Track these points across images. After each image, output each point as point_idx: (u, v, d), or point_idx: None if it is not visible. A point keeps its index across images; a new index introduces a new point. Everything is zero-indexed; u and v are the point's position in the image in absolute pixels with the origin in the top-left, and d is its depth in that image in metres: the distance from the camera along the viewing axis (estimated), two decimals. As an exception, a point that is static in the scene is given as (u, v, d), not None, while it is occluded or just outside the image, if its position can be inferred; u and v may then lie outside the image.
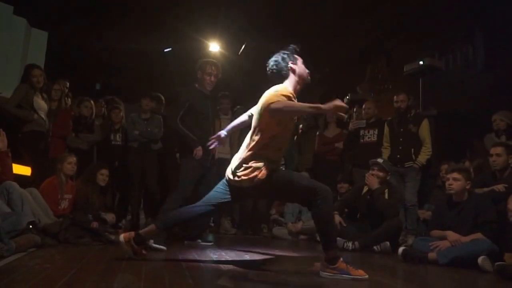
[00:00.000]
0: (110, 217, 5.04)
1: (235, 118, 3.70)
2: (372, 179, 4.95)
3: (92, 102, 6.06)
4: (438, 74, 6.88)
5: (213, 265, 3.24)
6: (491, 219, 3.86)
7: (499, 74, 6.32)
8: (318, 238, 5.63)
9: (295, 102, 2.97)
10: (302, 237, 5.96)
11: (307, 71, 3.18)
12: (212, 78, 4.53)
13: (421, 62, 6.41)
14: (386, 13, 7.11)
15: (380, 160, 5.03)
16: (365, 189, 5.07)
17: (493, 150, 4.53)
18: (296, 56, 3.18)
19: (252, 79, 8.72)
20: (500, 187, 4.28)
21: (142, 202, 6.21)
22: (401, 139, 5.64)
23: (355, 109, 6.99)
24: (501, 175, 4.48)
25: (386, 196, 4.90)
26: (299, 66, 3.16)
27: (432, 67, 6.51)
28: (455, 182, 4.04)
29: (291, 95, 2.96)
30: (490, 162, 4.57)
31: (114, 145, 6.06)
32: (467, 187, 4.05)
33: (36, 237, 3.63)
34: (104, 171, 5.09)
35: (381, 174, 4.96)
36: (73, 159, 4.88)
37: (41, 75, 5.26)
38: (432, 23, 7.27)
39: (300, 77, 3.14)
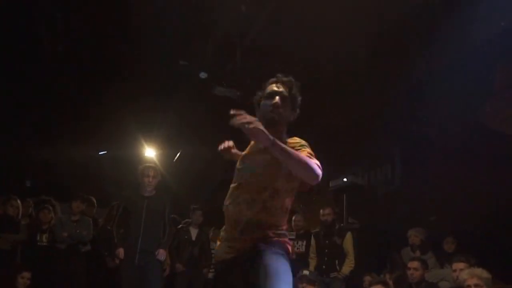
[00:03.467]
0: None
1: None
2: None
3: (19, 201, 5.87)
4: (361, 189, 7.36)
5: None
6: None
7: (414, 191, 6.86)
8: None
9: None
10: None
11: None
12: (150, 179, 4.96)
13: (344, 179, 6.87)
14: (313, 129, 7.61)
15: (306, 272, 5.13)
16: None
17: (410, 264, 4.84)
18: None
19: (185, 186, 8.87)
20: (417, 301, 4.55)
21: None
22: (326, 251, 5.87)
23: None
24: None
25: None
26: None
27: (355, 184, 6.98)
28: None
29: None
30: (408, 275, 4.85)
31: (39, 246, 5.79)
32: (388, 300, 4.28)
33: None
34: (26, 274, 4.83)
35: (309, 287, 5.01)
36: None
37: None
38: (355, 142, 7.85)
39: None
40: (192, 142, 8.27)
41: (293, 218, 6.51)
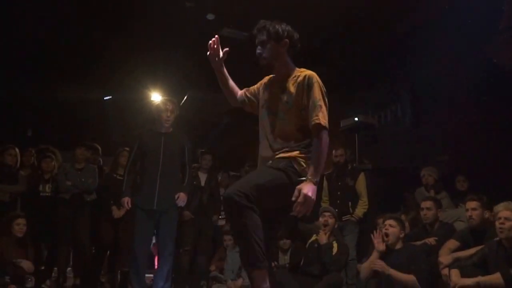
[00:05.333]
0: (26, 265, 4.57)
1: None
2: (321, 234, 4.92)
3: (17, 150, 5.70)
4: (372, 130, 7.25)
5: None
6: (422, 267, 3.99)
7: (425, 131, 6.78)
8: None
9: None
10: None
11: None
12: (169, 114, 4.49)
13: (356, 119, 6.71)
14: (323, 70, 7.46)
15: (325, 206, 5.09)
16: (313, 237, 5.05)
17: (423, 204, 4.76)
18: None
19: (194, 129, 8.77)
20: (431, 240, 4.47)
21: (71, 260, 5.79)
22: (338, 193, 5.75)
23: None
24: (431, 228, 4.70)
25: (336, 248, 4.86)
26: None
27: (366, 123, 6.83)
28: (391, 228, 4.21)
29: None
30: (421, 216, 4.79)
31: (42, 197, 5.62)
32: (401, 236, 4.23)
33: None
34: (20, 220, 4.74)
35: (331, 220, 4.96)
36: None
37: None
38: (364, 81, 7.72)
39: None
40: (198, 86, 8.08)
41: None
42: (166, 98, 4.77)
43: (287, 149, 2.53)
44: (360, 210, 5.62)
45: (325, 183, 5.92)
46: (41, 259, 5.65)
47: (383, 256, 4.24)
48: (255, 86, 2.85)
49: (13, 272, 4.26)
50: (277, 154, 2.54)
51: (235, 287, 5.81)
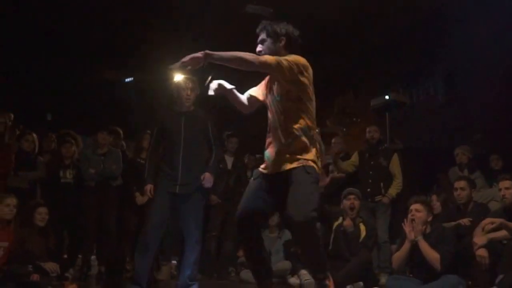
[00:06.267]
0: (50, 266, 4.35)
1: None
2: (348, 222, 4.84)
3: (34, 135, 5.57)
4: (403, 108, 7.04)
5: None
6: (448, 248, 3.89)
7: (458, 109, 6.56)
8: (289, 281, 5.44)
9: None
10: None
11: None
12: (189, 92, 4.27)
13: (386, 97, 6.51)
14: (353, 47, 7.28)
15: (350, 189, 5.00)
16: (340, 220, 4.95)
17: (457, 184, 4.63)
18: None
19: (220, 111, 8.68)
20: (465, 221, 4.35)
21: (95, 248, 5.65)
22: (371, 172, 5.54)
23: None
24: (465, 209, 4.56)
25: (364, 231, 4.79)
26: None
27: (397, 101, 6.63)
28: (417, 213, 4.07)
29: None
30: (455, 196, 4.65)
31: (63, 183, 5.42)
32: (429, 219, 4.10)
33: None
34: (42, 209, 4.60)
35: (356, 202, 4.88)
36: (12, 200, 4.39)
37: None
38: (395, 58, 7.50)
39: None
40: (223, 66, 7.95)
41: (333, 140, 6.21)
42: (186, 76, 4.48)
43: (293, 151, 2.82)
44: (394, 190, 5.42)
45: (356, 156, 5.74)
46: (63, 247, 5.56)
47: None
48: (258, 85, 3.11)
49: (35, 271, 4.18)
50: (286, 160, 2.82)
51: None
